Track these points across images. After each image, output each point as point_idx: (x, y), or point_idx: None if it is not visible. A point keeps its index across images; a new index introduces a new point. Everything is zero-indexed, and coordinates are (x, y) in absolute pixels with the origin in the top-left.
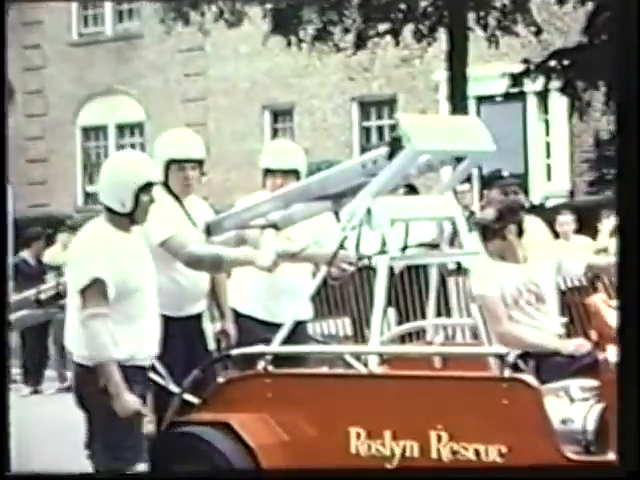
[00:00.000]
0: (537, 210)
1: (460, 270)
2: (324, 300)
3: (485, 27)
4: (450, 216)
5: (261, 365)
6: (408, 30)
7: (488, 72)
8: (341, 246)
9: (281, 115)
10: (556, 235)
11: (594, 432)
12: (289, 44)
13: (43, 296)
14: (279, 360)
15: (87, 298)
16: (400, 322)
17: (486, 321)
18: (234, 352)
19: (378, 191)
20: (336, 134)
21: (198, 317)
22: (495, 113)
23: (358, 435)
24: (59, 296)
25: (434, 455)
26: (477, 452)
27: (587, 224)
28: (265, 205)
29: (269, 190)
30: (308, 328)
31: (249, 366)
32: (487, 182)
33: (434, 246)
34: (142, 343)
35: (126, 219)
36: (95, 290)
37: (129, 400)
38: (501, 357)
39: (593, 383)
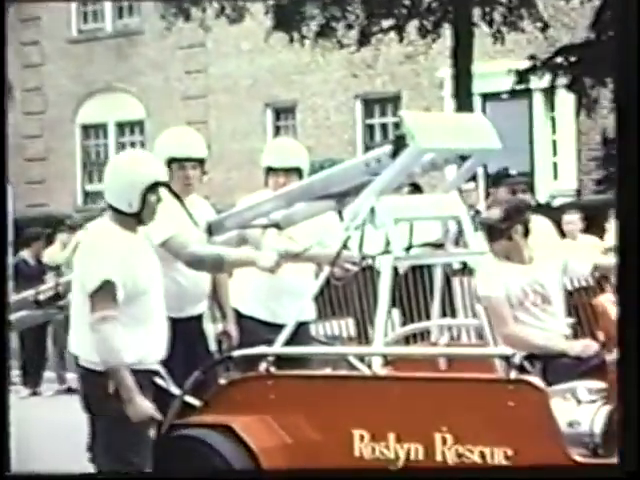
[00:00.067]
0: (543, 209)
1: (465, 270)
2: (327, 301)
3: (490, 23)
4: (455, 215)
5: (263, 367)
6: (412, 26)
7: (494, 69)
8: (344, 246)
9: (283, 113)
10: (563, 234)
11: (602, 435)
12: (291, 41)
13: (42, 297)
14: (281, 361)
15: (97, 301)
16: (404, 323)
17: (491, 322)
18: (236, 353)
19: (382, 190)
20: (339, 132)
21: (199, 318)
22: (501, 110)
23: (362, 437)
24: (58, 297)
25: (439, 458)
26: (482, 455)
27: (594, 223)
28: (267, 204)
29: (271, 189)
30: (311, 329)
31: (251, 368)
32: (495, 181)
33: (439, 246)
34: (150, 346)
35: (133, 219)
36: (105, 292)
37: (142, 405)
38: (507, 358)
39: (600, 385)
